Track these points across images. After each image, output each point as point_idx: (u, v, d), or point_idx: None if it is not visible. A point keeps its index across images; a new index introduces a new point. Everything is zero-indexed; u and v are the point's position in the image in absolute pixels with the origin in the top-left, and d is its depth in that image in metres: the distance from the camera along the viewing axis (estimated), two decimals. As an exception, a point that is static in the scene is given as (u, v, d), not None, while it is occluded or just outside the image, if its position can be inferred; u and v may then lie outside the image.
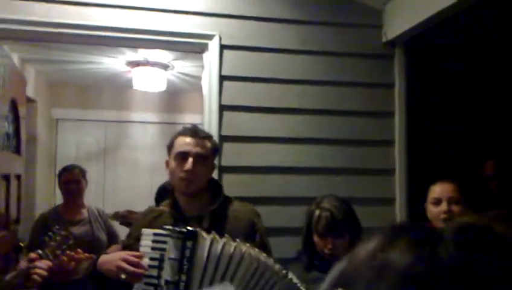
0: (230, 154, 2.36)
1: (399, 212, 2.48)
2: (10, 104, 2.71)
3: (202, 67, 2.46)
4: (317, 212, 1.84)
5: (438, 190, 2.03)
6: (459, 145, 2.73)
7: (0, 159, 2.43)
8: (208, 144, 1.76)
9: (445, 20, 2.18)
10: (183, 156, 1.71)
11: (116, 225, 3.19)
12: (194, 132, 1.76)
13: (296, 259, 1.95)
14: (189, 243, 1.55)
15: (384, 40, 2.51)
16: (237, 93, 2.38)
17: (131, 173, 4.75)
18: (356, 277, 0.49)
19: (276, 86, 2.43)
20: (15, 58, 3.33)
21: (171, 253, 1.56)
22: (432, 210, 2.02)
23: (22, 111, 2.96)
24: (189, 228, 1.58)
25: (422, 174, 2.43)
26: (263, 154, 2.40)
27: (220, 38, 2.35)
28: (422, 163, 2.57)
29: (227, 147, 2.36)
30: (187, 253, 1.54)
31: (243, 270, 1.52)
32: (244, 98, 2.39)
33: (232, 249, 1.53)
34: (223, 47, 2.35)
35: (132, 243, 1.70)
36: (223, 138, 2.35)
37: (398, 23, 2.41)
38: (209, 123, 2.34)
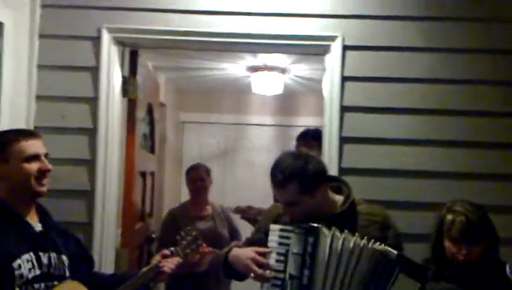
0: (351, 156, 2.33)
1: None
2: (147, 108, 3.00)
3: (321, 69, 2.48)
4: (449, 216, 1.76)
5: None
6: None
7: (138, 157, 2.69)
8: (291, 188, 1.62)
9: None
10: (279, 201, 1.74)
11: (237, 221, 3.34)
12: (275, 176, 1.65)
13: (422, 267, 1.86)
14: (310, 239, 1.59)
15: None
16: (359, 94, 2.35)
17: (249, 173, 4.94)
18: None
19: (399, 86, 2.35)
20: (149, 67, 3.66)
21: (294, 248, 1.61)
22: None
23: (156, 114, 3.26)
24: (311, 224, 1.61)
25: None
26: (385, 156, 2.33)
27: (343, 39, 2.34)
28: None
29: (347, 148, 2.34)
30: (309, 248, 1.58)
31: (364, 264, 1.54)
32: (366, 98, 2.35)
33: (351, 244, 1.56)
34: (345, 48, 2.34)
35: (261, 238, 1.76)
36: (344, 140, 2.33)
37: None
38: (330, 125, 2.34)
